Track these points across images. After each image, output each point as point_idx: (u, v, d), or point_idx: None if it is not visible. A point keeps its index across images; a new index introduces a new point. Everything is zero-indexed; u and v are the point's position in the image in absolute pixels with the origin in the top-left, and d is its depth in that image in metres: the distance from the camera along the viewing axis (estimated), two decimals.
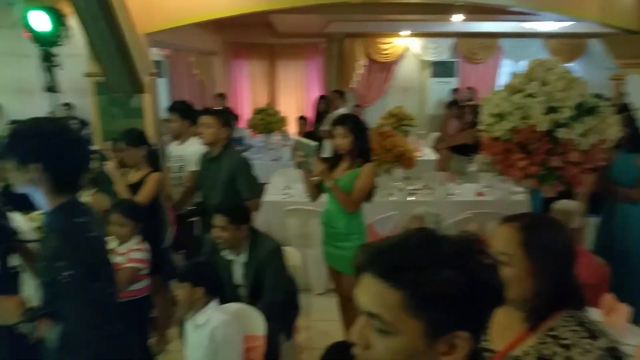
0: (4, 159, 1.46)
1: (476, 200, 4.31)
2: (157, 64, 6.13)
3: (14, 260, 1.51)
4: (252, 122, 6.95)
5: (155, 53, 6.34)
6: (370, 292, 0.78)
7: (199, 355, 2.27)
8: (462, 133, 5.31)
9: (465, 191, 4.50)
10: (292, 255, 3.05)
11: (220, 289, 2.36)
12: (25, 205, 2.24)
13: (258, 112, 7.05)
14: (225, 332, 2.20)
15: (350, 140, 2.82)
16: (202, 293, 2.22)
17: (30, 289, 1.63)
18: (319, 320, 3.73)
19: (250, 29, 8.62)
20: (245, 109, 9.18)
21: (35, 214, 2.74)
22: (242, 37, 9.09)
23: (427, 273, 0.75)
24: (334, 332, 3.44)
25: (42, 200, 1.50)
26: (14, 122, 6.63)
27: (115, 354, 1.55)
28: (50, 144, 1.48)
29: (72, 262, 1.43)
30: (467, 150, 5.04)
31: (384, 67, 9.77)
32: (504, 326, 1.29)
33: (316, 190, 3.01)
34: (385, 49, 9.61)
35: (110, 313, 1.56)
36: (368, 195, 2.93)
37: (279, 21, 7.91)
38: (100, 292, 1.50)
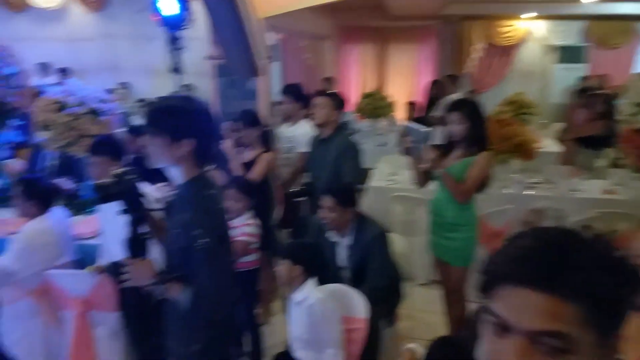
0: (153, 135, 1.54)
1: (604, 198, 3.88)
2: (271, 48, 6.32)
3: (143, 228, 1.64)
4: (360, 107, 6.92)
5: (270, 37, 6.54)
6: (536, 308, 0.66)
7: (300, 330, 2.34)
8: (591, 124, 4.81)
9: (591, 188, 4.09)
10: (397, 242, 2.99)
11: (320, 269, 2.39)
12: (150, 177, 2.44)
13: (366, 96, 7.00)
14: (322, 310, 2.24)
15: (465, 127, 2.68)
16: (300, 271, 2.27)
17: (154, 254, 1.77)
18: (421, 310, 3.65)
19: (362, 12, 8.55)
20: (352, 94, 9.18)
21: (159, 185, 2.97)
22: (354, 20, 9.05)
23: (598, 278, 0.65)
24: (436, 324, 3.35)
25: (176, 173, 1.61)
26: (142, 100, 7.28)
27: (233, 318, 1.68)
28: (200, 121, 1.59)
29: (207, 230, 1.54)
30: (595, 142, 4.56)
31: (504, 51, 9.16)
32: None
33: (424, 177, 2.91)
34: (506, 32, 8.99)
35: (232, 280, 1.66)
36: (481, 185, 2.78)
37: (393, 3, 7.75)
38: (227, 260, 1.60)
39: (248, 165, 3.23)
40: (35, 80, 5.43)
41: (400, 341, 3.11)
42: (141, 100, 7.25)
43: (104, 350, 2.83)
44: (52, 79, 8.07)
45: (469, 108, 2.74)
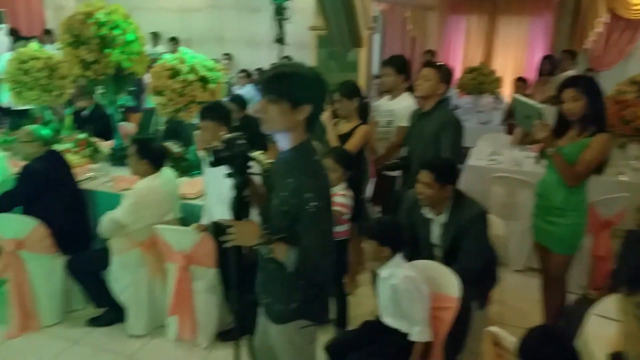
0: (273, 101, 1.57)
1: None
2: (373, 19, 6.19)
3: (247, 191, 1.70)
4: (462, 82, 6.62)
5: (373, 8, 6.40)
6: None
7: (387, 304, 2.35)
8: None
9: None
10: (496, 225, 2.86)
11: (406, 246, 2.37)
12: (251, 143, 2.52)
13: (470, 71, 6.67)
14: (407, 287, 2.22)
15: (582, 105, 2.46)
16: (387, 252, 2.27)
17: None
18: (513, 297, 3.50)
19: None
20: (455, 68, 8.79)
21: (257, 152, 3.07)
22: None
23: None
24: (527, 311, 3.21)
25: (283, 139, 1.66)
26: (244, 70, 7.51)
27: (331, 281, 1.78)
28: (318, 87, 1.62)
29: (317, 194, 1.58)
30: None
31: (630, 26, 8.21)
32: None
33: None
34: (636, 4, 8.05)
35: (333, 244, 1.71)
36: (596, 170, 2.55)
37: None
38: (331, 225, 1.65)
39: (344, 138, 3.22)
40: (147, 49, 5.81)
41: (489, 325, 3.01)
42: (243, 71, 7.50)
43: (201, 302, 3.04)
44: (162, 47, 8.62)
45: (586, 84, 2.50)
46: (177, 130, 4.25)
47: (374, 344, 2.31)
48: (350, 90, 3.28)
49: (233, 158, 1.63)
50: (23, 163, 3.29)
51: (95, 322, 3.29)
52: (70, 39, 3.56)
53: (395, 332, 2.32)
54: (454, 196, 2.51)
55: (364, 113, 3.36)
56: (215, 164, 1.63)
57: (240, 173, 1.66)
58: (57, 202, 3.22)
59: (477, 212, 2.48)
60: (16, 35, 9.29)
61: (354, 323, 2.99)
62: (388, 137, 3.61)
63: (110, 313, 3.26)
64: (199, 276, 3.00)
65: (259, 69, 7.84)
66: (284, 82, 1.59)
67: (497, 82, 6.65)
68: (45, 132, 3.35)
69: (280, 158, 1.71)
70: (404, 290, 2.23)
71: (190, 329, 3.06)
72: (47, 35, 8.24)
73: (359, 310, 3.20)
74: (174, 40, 8.84)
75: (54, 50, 4.57)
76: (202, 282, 3.01)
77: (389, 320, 2.36)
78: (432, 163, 2.54)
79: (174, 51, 4.34)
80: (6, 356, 2.99)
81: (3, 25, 8.57)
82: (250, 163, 1.68)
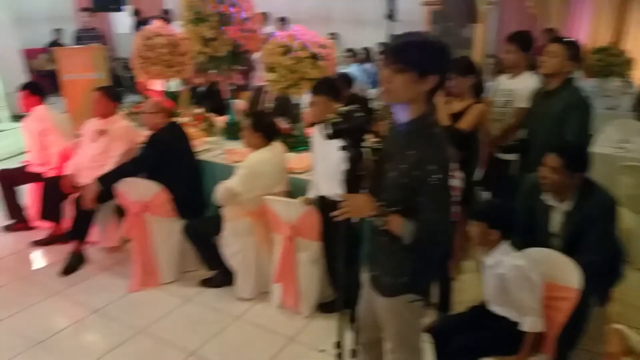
0: (400, 70, 1.54)
1: None
2: None
3: (360, 164, 1.68)
4: (588, 63, 6.05)
5: None
6: None
7: (494, 293, 2.26)
8: None
9: None
10: (626, 218, 2.60)
11: (516, 233, 2.24)
12: None
13: (597, 51, 6.10)
14: (516, 276, 2.11)
15: None
16: (495, 235, 2.16)
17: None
18: (637, 297, 3.18)
19: None
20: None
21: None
22: None
23: None
24: None
25: (403, 110, 1.63)
26: (350, 50, 7.49)
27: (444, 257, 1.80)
28: (445, 57, 1.59)
29: (440, 167, 1.55)
30: None
31: None
32: None
33: None
34: None
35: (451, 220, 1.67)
36: None
37: None
38: (451, 199, 1.61)
39: (456, 117, 3.09)
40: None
41: (608, 324, 2.78)
42: (349, 50, 7.50)
43: (304, 273, 3.13)
44: (271, 27, 8.85)
45: None
46: (285, 108, 4.36)
47: (482, 329, 2.23)
48: (465, 67, 3.13)
49: (351, 130, 1.62)
50: (148, 133, 3.57)
51: (206, 283, 3.53)
52: (192, 16, 3.77)
53: (504, 319, 2.22)
54: (582, 183, 2.32)
55: (478, 91, 3.19)
56: (333, 136, 1.63)
57: (356, 146, 1.64)
58: (177, 171, 3.46)
59: (607, 203, 2.28)
60: (138, 16, 10.09)
61: (455, 309, 2.91)
62: (504, 118, 3.40)
63: (221, 276, 3.47)
64: (303, 248, 3.08)
65: (365, 48, 7.80)
66: (413, 51, 1.54)
67: (628, 64, 6.01)
68: (169, 104, 3.61)
69: (399, 130, 1.67)
70: (512, 280, 2.13)
71: (293, 297, 3.16)
72: (165, 15, 8.82)
73: (461, 297, 3.10)
74: (282, 21, 9.05)
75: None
76: (306, 253, 3.09)
77: (497, 309, 2.27)
78: (562, 147, 2.35)
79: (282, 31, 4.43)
80: (128, 307, 3.31)
81: (127, 7, 9.31)
82: (366, 136, 1.66)
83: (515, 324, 2.17)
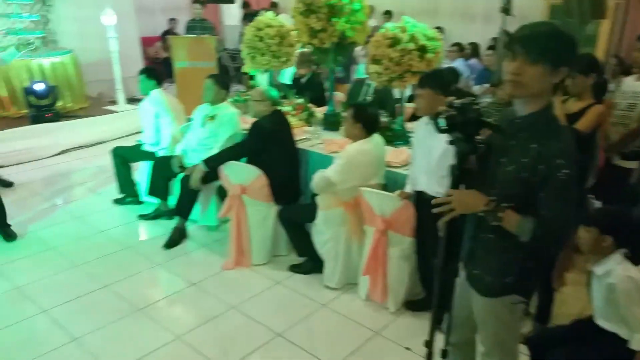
0: (533, 62, 1.46)
1: None
2: None
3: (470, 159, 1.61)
4: None
5: None
6: None
7: (602, 305, 2.10)
8: None
9: None
10: None
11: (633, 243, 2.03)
12: None
13: None
14: (627, 288, 1.95)
15: None
16: (609, 242, 2.00)
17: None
18: None
19: None
20: None
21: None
22: None
23: None
24: None
25: (523, 103, 1.55)
26: (457, 44, 7.24)
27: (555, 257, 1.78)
28: (575, 49, 1.51)
29: (569, 161, 1.47)
30: None
31: None
32: None
33: None
34: None
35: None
36: None
37: None
38: (576, 195, 1.51)
39: (573, 117, 2.87)
40: None
41: None
42: (456, 44, 7.26)
43: (394, 268, 3.09)
44: (376, 20, 8.81)
45: None
46: (384, 101, 4.32)
47: (586, 345, 2.06)
48: (586, 65, 2.89)
49: (466, 124, 1.55)
50: (252, 120, 3.71)
51: (295, 268, 3.60)
52: (302, 7, 3.85)
53: (612, 335, 2.04)
54: None
55: (599, 92, 2.94)
56: (446, 130, 1.57)
57: (468, 140, 1.57)
58: (277, 157, 3.56)
59: None
60: (247, 8, 10.51)
61: (554, 322, 2.72)
62: (627, 122, 3.11)
63: (310, 263, 3.52)
64: (395, 243, 3.04)
65: (471, 43, 7.51)
66: (547, 42, 1.45)
67: None
68: (274, 93, 3.72)
69: (517, 123, 1.58)
70: (623, 291, 1.97)
71: (381, 291, 3.13)
72: (273, 8, 9.10)
73: (560, 309, 2.90)
74: (388, 14, 8.97)
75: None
76: (398, 249, 3.04)
77: (604, 323, 2.10)
78: None
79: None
80: (220, 284, 3.47)
81: None
82: (481, 131, 1.58)
83: (624, 341, 2.00)
